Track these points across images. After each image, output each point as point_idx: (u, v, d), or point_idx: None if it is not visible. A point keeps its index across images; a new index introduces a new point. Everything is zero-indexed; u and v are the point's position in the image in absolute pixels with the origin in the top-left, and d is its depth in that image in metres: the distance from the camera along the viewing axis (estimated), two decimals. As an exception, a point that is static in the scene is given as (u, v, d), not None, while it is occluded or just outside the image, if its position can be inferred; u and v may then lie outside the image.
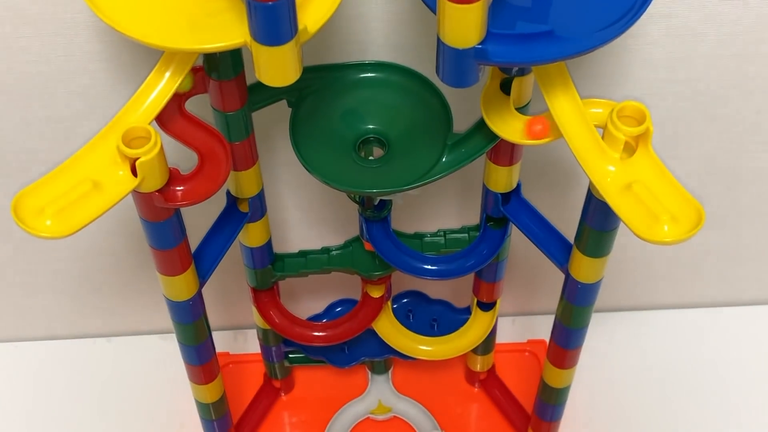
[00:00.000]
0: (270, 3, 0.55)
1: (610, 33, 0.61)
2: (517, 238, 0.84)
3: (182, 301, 0.75)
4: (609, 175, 0.64)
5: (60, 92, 0.83)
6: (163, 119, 0.66)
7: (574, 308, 0.78)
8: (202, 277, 0.75)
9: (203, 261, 0.75)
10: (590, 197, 0.69)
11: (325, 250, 0.86)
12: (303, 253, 0.86)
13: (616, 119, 0.63)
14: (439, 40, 0.59)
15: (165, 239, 0.69)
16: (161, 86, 0.64)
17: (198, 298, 0.76)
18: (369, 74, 0.75)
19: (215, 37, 0.60)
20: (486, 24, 0.58)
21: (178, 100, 0.66)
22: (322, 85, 0.75)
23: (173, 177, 0.64)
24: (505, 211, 0.79)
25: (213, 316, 0.81)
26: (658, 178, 0.63)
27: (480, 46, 0.59)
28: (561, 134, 0.65)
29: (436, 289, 0.96)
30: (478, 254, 0.83)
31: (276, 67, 0.59)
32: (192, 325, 0.77)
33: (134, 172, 0.62)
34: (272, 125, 0.85)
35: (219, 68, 0.67)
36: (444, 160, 0.72)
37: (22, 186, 0.61)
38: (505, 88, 0.69)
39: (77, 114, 0.84)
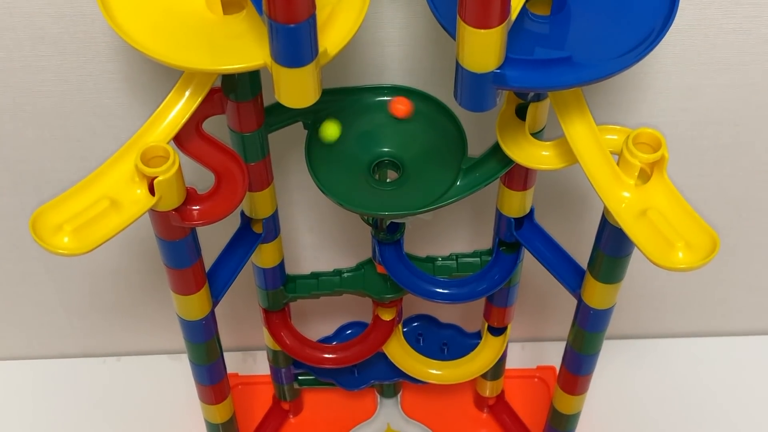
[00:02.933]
0: (292, 25, 0.55)
1: (627, 60, 0.61)
2: (528, 264, 0.84)
3: (195, 320, 0.75)
4: (624, 201, 0.64)
5: (77, 111, 0.83)
6: (181, 139, 0.66)
7: (586, 334, 0.78)
8: (216, 296, 0.75)
9: (217, 281, 0.76)
10: (604, 223, 0.69)
11: (337, 272, 0.86)
12: (315, 275, 0.86)
13: (631, 146, 0.63)
14: (458, 64, 0.59)
15: (180, 258, 0.69)
16: (180, 106, 0.65)
17: (211, 318, 0.76)
18: (385, 98, 0.76)
19: (235, 59, 0.61)
20: (505, 49, 0.59)
21: (195, 120, 0.67)
22: (338, 107, 0.75)
23: (190, 196, 0.65)
24: (518, 236, 0.80)
25: (222, 337, 0.81)
26: (673, 205, 0.63)
27: (498, 71, 0.59)
28: (576, 159, 0.66)
29: (446, 313, 0.96)
30: (490, 279, 0.83)
31: (296, 88, 0.60)
32: (204, 345, 0.78)
33: (152, 191, 0.62)
34: (286, 149, 0.85)
35: (237, 89, 0.67)
36: (458, 183, 0.73)
37: (35, 205, 0.61)
38: (521, 113, 0.70)
39: (93, 133, 0.85)
